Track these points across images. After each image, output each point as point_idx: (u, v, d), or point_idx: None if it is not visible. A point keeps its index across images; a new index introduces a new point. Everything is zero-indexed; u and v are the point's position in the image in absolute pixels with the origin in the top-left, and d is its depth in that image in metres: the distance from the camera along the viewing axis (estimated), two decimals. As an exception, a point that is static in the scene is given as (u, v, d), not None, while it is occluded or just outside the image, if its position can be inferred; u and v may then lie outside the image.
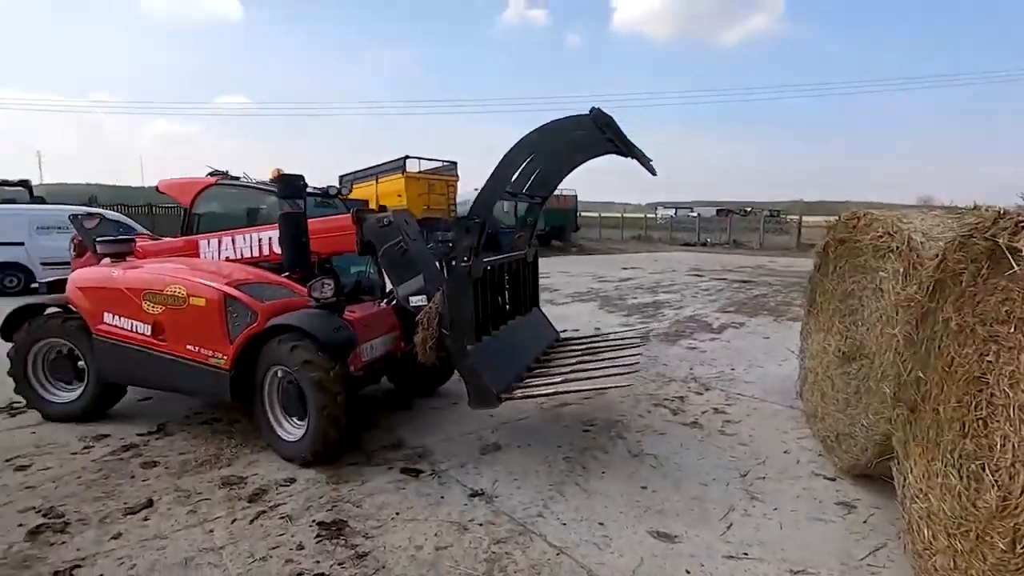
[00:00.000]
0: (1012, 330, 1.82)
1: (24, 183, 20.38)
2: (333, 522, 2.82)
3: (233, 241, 4.49)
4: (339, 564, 2.49)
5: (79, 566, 2.46)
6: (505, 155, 3.23)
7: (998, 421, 1.87)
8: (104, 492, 3.11)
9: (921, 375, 2.39)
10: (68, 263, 12.35)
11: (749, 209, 35.89)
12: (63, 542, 2.64)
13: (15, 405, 4.48)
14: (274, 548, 2.61)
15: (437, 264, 4.11)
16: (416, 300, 3.83)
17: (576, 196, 28.06)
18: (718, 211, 44.52)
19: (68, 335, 4.09)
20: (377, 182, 19.97)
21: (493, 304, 4.03)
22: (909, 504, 2.41)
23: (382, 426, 4.12)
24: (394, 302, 4.27)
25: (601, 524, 2.85)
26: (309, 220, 4.22)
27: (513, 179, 3.57)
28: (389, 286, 4.44)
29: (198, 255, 4.58)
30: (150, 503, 2.99)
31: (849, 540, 2.73)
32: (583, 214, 33.34)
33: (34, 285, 11.08)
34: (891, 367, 2.69)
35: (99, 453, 3.64)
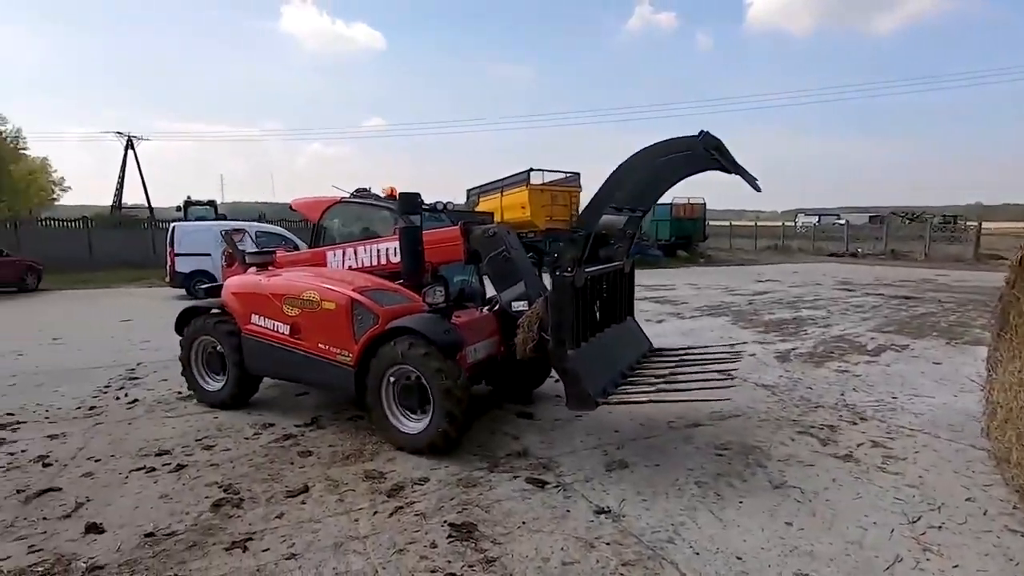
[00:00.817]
0: None
1: (211, 203, 24.08)
2: (463, 524, 2.92)
3: (355, 252, 4.97)
4: (469, 567, 2.58)
5: (251, 539, 2.80)
6: (613, 173, 3.40)
7: None
8: (269, 475, 3.53)
9: None
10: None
11: (919, 213, 30.76)
12: (239, 516, 3.03)
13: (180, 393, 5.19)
14: (411, 543, 2.77)
15: (537, 272, 4.41)
16: (518, 305, 4.17)
17: (704, 204, 26.71)
18: (871, 218, 39.66)
19: (215, 333, 4.72)
20: (502, 195, 20.65)
21: (591, 312, 4.11)
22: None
23: (508, 434, 4.21)
24: (495, 308, 4.52)
25: (739, 559, 2.64)
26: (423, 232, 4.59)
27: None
28: (490, 293, 4.77)
29: (325, 264, 5.11)
30: (306, 489, 3.33)
31: (1060, 616, 2.26)
32: (712, 223, 31.55)
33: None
34: None
35: (266, 439, 4.14)
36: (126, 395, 5.28)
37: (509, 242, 4.39)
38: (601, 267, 4.32)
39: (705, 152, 3.26)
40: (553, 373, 4.60)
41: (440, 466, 3.63)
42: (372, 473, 3.54)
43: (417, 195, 4.62)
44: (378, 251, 4.85)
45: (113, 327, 9.10)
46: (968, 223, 27.85)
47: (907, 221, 31.23)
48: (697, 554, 2.68)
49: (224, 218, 19.16)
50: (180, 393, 5.25)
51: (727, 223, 40.83)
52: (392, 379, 3.88)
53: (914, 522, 2.96)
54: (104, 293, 14.39)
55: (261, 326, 4.46)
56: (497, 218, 17.28)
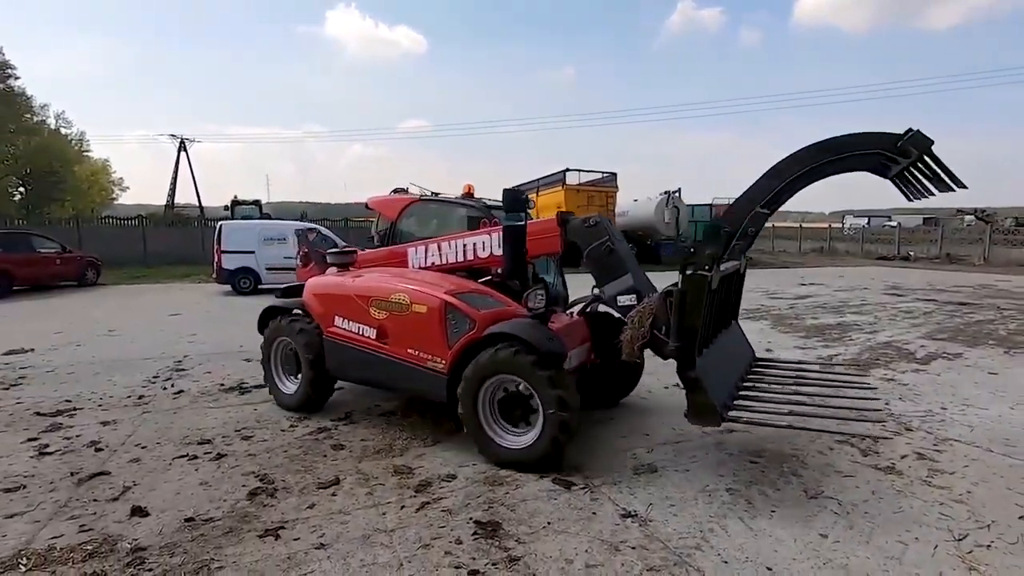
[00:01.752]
0: None
1: (256, 202, 24.95)
2: (488, 522, 2.94)
3: (439, 247, 4.70)
4: (493, 564, 2.59)
5: (283, 527, 2.89)
6: (773, 167, 3.12)
7: None
8: (303, 467, 3.63)
9: None
10: (286, 268, 14.70)
11: (991, 213, 28.19)
12: (272, 505, 3.14)
13: (243, 385, 5.47)
14: (436, 538, 2.80)
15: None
16: (624, 299, 3.80)
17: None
18: (925, 219, 37.79)
19: (294, 335, 4.56)
20: (538, 194, 20.64)
21: (714, 316, 3.80)
22: None
23: (536, 434, 4.20)
24: (587, 311, 4.34)
25: (769, 569, 2.56)
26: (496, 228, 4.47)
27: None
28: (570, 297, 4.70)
29: (406, 263, 4.87)
30: (337, 481, 3.42)
31: (1121, 647, 2.10)
32: (753, 224, 30.64)
33: (262, 286, 13.45)
34: None
35: (301, 432, 4.26)
36: (172, 385, 5.53)
37: (612, 232, 4.06)
38: (726, 267, 3.93)
39: (898, 153, 2.94)
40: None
41: (468, 464, 3.66)
42: (401, 468, 3.60)
43: (522, 192, 4.43)
44: (464, 246, 4.58)
45: (163, 321, 9.54)
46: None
47: (974, 219, 29.24)
48: (725, 563, 2.62)
49: (268, 217, 19.86)
50: (223, 385, 5.47)
51: (770, 224, 39.65)
52: (490, 389, 3.62)
53: (960, 540, 2.81)
54: (156, 288, 15.09)
55: (345, 329, 4.29)
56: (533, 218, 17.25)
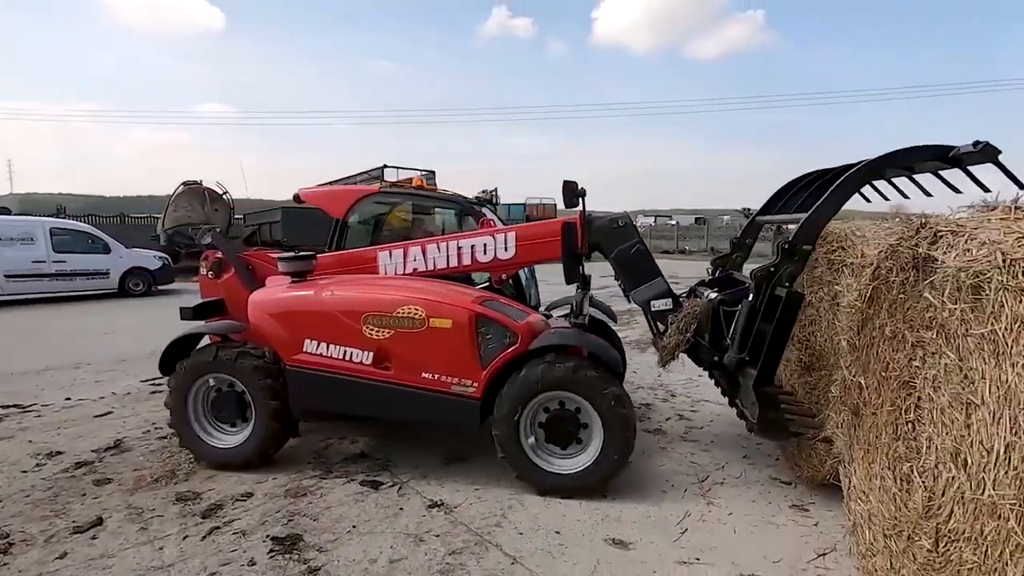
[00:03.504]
0: (935, 335, 1.88)
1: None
2: (287, 536, 2.79)
3: (424, 251, 4.03)
4: (290, 579, 2.47)
5: (20, 588, 2.40)
6: (848, 176, 2.88)
7: (924, 424, 1.94)
8: (52, 511, 3.04)
9: (862, 380, 2.45)
10: (36, 276, 12.04)
11: (749, 209, 34.75)
12: (4, 564, 2.57)
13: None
14: (225, 564, 2.57)
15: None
16: (659, 304, 3.66)
17: (555, 205, 28.28)
18: (696, 219, 45.08)
19: (240, 372, 3.46)
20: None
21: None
22: (853, 506, 2.47)
23: (345, 438, 4.09)
24: (579, 316, 3.83)
25: (558, 533, 2.86)
26: (521, 226, 4.02)
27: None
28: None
29: (375, 269, 4.11)
30: (99, 521, 2.93)
31: (800, 544, 2.78)
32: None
33: (1, 297, 10.84)
34: (835, 371, 2.76)
35: (51, 471, 3.55)
36: None
37: (639, 234, 3.89)
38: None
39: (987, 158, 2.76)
40: None
41: (267, 478, 3.42)
42: (185, 495, 3.21)
43: (575, 183, 3.78)
44: (460, 249, 3.96)
45: None
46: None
47: (730, 219, 36.09)
48: (521, 534, 2.85)
49: (8, 212, 15.97)
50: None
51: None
52: (532, 410, 3.26)
53: (703, 480, 3.45)
54: None
55: (321, 355, 3.44)
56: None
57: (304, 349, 3.48)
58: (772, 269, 2.95)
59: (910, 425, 2.05)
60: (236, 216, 5.03)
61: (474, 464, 3.68)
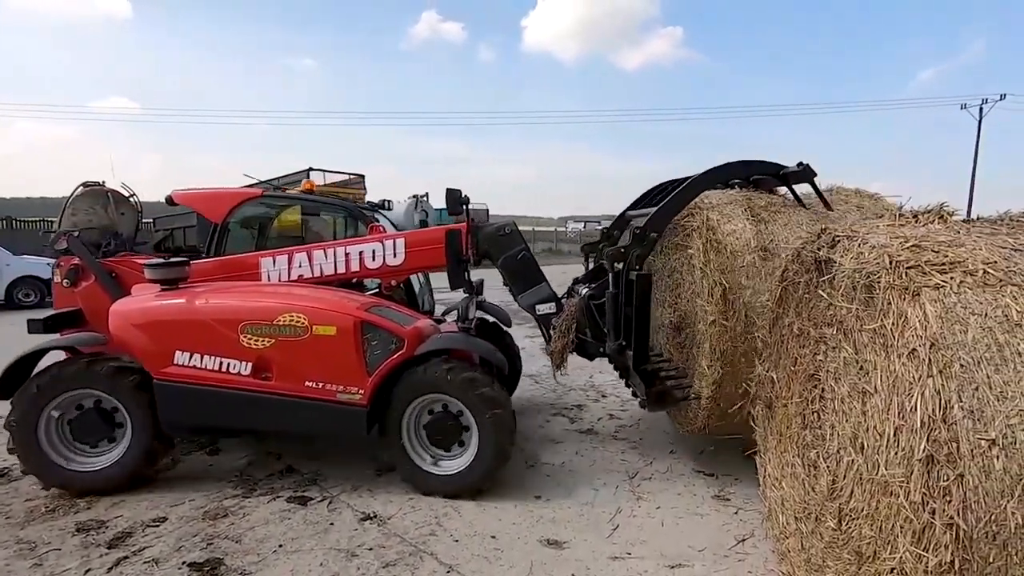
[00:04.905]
0: (835, 331, 2.06)
1: None
2: (206, 561, 2.62)
3: (310, 257, 3.96)
4: (210, 607, 2.32)
5: None
6: (693, 181, 3.41)
7: (828, 413, 2.11)
8: (-77, 553, 2.69)
9: (774, 375, 2.64)
10: None
11: None
12: None
13: None
14: (135, 597, 2.38)
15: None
16: (544, 308, 3.84)
17: (487, 210, 28.36)
18: (623, 224, 46.67)
19: (99, 385, 3.24)
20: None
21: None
22: (768, 493, 2.65)
23: (270, 453, 3.90)
24: (466, 320, 3.97)
25: (493, 537, 2.86)
26: (408, 233, 4.04)
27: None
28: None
29: (257, 276, 3.98)
30: (-17, 560, 2.62)
31: (722, 531, 2.94)
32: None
33: None
34: (704, 336, 3.20)
35: (-79, 507, 3.14)
36: None
37: (524, 241, 4.03)
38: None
39: (782, 178, 3.64)
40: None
41: (183, 501, 3.20)
42: (87, 524, 2.94)
43: (459, 191, 3.87)
44: (348, 255, 3.92)
45: None
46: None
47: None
48: (456, 541, 2.82)
49: None
50: None
51: (509, 228, 43.86)
52: (415, 413, 3.33)
53: (632, 477, 3.57)
54: None
55: (194, 367, 3.25)
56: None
57: (175, 361, 3.27)
58: (623, 250, 3.38)
59: (816, 415, 2.22)
60: (144, 220, 4.67)
61: (408, 473, 3.60)
